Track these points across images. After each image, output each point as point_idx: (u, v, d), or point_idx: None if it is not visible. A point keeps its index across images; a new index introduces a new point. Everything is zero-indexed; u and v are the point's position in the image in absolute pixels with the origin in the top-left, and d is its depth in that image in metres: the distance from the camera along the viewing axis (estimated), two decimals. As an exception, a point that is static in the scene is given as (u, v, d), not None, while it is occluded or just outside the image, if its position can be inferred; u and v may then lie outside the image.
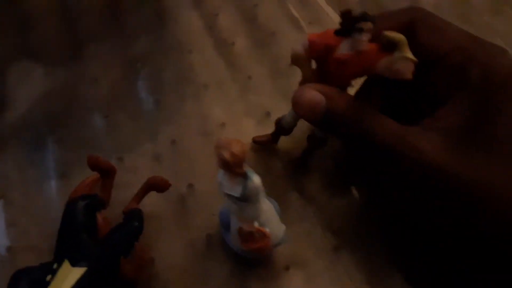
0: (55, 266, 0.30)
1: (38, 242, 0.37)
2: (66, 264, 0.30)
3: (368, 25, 0.26)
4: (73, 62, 0.48)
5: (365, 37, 0.26)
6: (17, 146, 0.42)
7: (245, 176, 0.28)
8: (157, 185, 0.36)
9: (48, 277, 0.30)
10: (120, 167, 0.39)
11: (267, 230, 0.30)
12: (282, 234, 0.33)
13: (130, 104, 0.44)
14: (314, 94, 0.30)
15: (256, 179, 0.28)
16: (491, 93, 0.25)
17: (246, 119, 0.43)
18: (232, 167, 0.27)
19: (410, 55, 0.25)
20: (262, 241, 0.30)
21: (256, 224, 0.30)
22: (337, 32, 0.28)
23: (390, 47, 0.25)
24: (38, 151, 0.42)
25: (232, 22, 0.50)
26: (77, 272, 0.30)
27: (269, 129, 0.40)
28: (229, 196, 0.29)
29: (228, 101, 0.45)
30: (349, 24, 0.26)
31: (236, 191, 0.29)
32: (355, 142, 0.29)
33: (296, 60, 0.32)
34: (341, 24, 0.27)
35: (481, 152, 0.24)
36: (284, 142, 0.41)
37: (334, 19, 0.51)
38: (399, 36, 0.25)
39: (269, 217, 0.31)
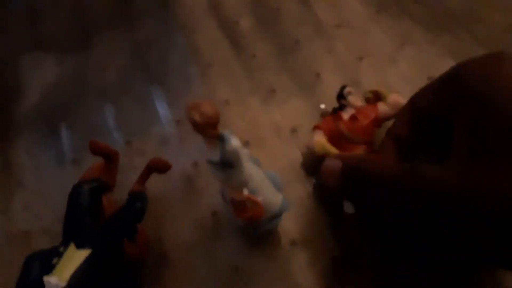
0: (61, 249, 0.31)
1: (52, 225, 0.38)
2: (71, 247, 0.31)
3: (348, 100, 0.36)
4: (83, 50, 0.49)
5: (350, 107, 0.36)
6: (30, 134, 0.43)
7: (221, 139, 0.27)
8: (158, 167, 0.36)
9: (55, 260, 0.31)
10: (129, 150, 0.40)
11: (258, 198, 0.29)
12: (279, 202, 0.31)
13: (136, 88, 0.45)
14: (332, 160, 0.29)
15: (233, 141, 0.27)
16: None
17: (251, 97, 0.43)
18: (204, 129, 0.26)
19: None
20: (254, 209, 0.29)
21: (246, 192, 0.29)
22: (334, 111, 0.37)
23: (376, 99, 0.36)
24: (50, 138, 0.43)
25: (236, 1, 0.49)
26: (82, 254, 0.31)
27: (274, 107, 0.40)
28: (212, 163, 0.28)
29: (233, 79, 0.44)
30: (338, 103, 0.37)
31: (216, 156, 0.28)
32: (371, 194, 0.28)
33: (322, 148, 0.35)
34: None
35: (490, 165, 0.22)
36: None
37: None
38: (379, 90, 0.36)
39: (260, 184, 0.30)
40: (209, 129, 0.26)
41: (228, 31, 0.48)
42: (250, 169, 0.29)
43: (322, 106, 0.41)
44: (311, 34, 0.46)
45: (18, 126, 0.44)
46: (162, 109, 0.43)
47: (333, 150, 0.34)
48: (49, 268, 0.31)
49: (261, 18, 0.48)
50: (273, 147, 0.40)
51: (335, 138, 0.35)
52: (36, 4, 0.53)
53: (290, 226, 0.35)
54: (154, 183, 0.37)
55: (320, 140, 0.35)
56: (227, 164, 0.28)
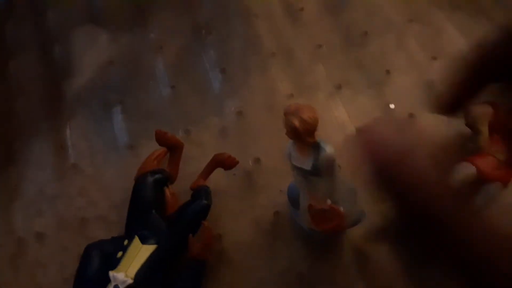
0: (125, 242, 0.31)
1: (107, 213, 0.37)
2: (136, 241, 0.30)
3: None
4: (137, 28, 0.47)
5: None
6: (84, 115, 0.42)
7: (317, 147, 0.26)
8: (224, 162, 0.34)
9: (119, 254, 0.30)
10: (187, 140, 0.38)
11: (341, 208, 0.27)
12: (358, 213, 0.30)
13: (195, 74, 0.43)
14: None
15: (330, 149, 0.25)
16: None
17: (316, 91, 0.41)
18: (302, 136, 0.25)
19: None
20: (335, 220, 0.28)
21: (328, 202, 0.27)
22: None
23: None
24: (105, 121, 0.41)
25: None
26: (147, 250, 0.30)
27: (340, 103, 0.38)
28: (299, 169, 0.27)
29: (297, 72, 0.42)
30: None
31: (307, 164, 0.26)
32: None
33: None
34: None
35: None
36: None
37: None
38: None
39: (344, 194, 0.28)
40: (306, 136, 0.24)
41: (292, 18, 0.45)
42: (338, 179, 0.27)
43: (392, 106, 0.39)
44: (381, 27, 0.44)
45: (71, 105, 0.43)
46: (222, 98, 0.41)
47: (485, 137, 0.31)
48: (114, 262, 0.30)
49: (327, 6, 0.45)
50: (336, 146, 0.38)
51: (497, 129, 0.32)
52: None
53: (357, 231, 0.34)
54: (212, 177, 0.36)
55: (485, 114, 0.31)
56: (316, 172, 0.26)
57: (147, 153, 0.38)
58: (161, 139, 0.33)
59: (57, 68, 0.45)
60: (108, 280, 0.29)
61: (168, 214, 0.32)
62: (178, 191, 0.35)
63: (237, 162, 0.34)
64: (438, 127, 0.35)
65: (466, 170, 0.30)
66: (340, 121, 0.39)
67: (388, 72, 0.41)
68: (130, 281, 0.28)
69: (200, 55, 0.44)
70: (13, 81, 0.45)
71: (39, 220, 0.37)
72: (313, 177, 0.27)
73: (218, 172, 0.36)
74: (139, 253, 0.30)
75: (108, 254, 0.31)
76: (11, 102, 0.44)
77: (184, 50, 0.44)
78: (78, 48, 0.46)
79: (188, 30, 0.45)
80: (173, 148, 0.35)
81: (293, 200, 0.32)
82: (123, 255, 0.30)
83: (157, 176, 0.33)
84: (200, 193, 0.33)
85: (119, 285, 0.28)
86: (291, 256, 0.34)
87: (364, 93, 0.40)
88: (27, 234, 0.37)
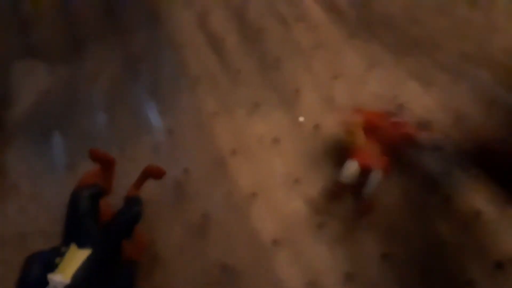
0: (63, 249, 0.34)
1: (46, 227, 0.40)
2: (73, 247, 0.34)
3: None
4: (74, 60, 0.51)
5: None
6: (23, 140, 0.45)
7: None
8: (153, 173, 0.39)
9: (58, 259, 0.33)
10: (121, 157, 0.42)
11: None
12: None
13: (129, 98, 0.47)
14: None
15: None
16: None
17: (237, 109, 0.46)
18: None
19: None
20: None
21: None
22: None
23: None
24: (44, 144, 0.45)
25: (223, 20, 0.53)
26: (83, 254, 0.33)
27: (259, 119, 0.44)
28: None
29: (220, 92, 0.48)
30: None
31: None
32: None
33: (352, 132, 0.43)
34: None
35: None
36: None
37: (320, 17, 0.54)
38: None
39: None
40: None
41: (215, 47, 0.51)
42: None
43: (301, 119, 0.45)
44: (291, 53, 0.50)
45: (10, 132, 0.45)
46: (153, 118, 0.46)
47: (360, 139, 0.40)
48: (52, 267, 0.33)
49: (245, 37, 0.52)
50: (258, 154, 0.43)
51: (369, 130, 0.40)
52: (26, 12, 0.54)
53: (269, 226, 0.39)
54: (147, 188, 0.40)
55: (356, 122, 0.40)
56: None
57: (84, 171, 0.41)
58: (94, 155, 0.37)
59: (-4, 98, 0.48)
60: (47, 283, 0.31)
61: (103, 222, 0.36)
62: (115, 202, 0.39)
63: (165, 172, 0.38)
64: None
65: (351, 166, 0.38)
66: (258, 134, 0.45)
67: (297, 90, 0.47)
68: (67, 281, 0.31)
69: (132, 81, 0.48)
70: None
71: (-20, 239, 0.39)
72: None
73: (152, 183, 0.40)
74: (76, 257, 0.33)
75: (48, 261, 0.34)
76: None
77: (118, 77, 0.48)
78: (17, 79, 0.49)
79: (122, 59, 0.50)
80: (106, 164, 0.38)
81: None
82: (61, 260, 0.33)
83: (91, 190, 0.37)
84: (132, 201, 0.37)
85: (57, 286, 0.31)
86: (217, 252, 0.38)
87: (278, 109, 0.46)
88: (-33, 253, 0.39)
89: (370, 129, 0.39)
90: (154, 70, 0.49)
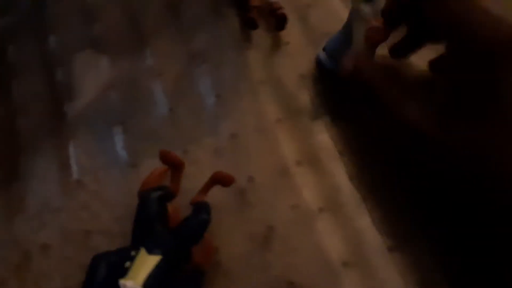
0: (133, 253, 0.33)
1: (109, 226, 0.40)
2: (142, 252, 0.33)
3: None
4: (137, 54, 0.50)
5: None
6: (87, 134, 0.45)
7: None
8: (222, 180, 0.38)
9: (127, 264, 0.32)
10: (185, 159, 0.41)
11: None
12: None
13: (191, 98, 0.46)
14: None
15: None
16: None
17: (301, 116, 0.45)
18: None
19: None
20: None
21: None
22: None
23: None
24: (106, 140, 0.44)
25: (289, 24, 0.51)
26: (153, 260, 0.33)
27: (324, 128, 0.43)
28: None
29: (284, 98, 0.46)
30: None
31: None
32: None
33: None
34: None
35: (471, 121, 0.28)
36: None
37: None
38: None
39: None
40: None
41: (279, 49, 0.50)
42: None
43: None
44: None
45: (73, 125, 0.45)
46: (217, 121, 0.45)
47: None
48: (121, 271, 0.32)
49: (311, 40, 0.50)
50: (324, 165, 0.42)
51: None
52: (90, 4, 0.54)
53: (337, 244, 0.37)
54: (209, 193, 0.39)
55: None
56: None
57: (148, 170, 0.41)
58: (165, 158, 0.37)
59: (59, 89, 0.48)
60: None
61: (171, 227, 0.35)
62: (179, 206, 0.38)
63: (234, 180, 0.37)
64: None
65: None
66: (324, 143, 0.43)
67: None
68: (139, 288, 0.31)
69: (196, 81, 0.47)
70: (15, 100, 0.48)
71: (44, 232, 0.39)
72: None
73: (214, 189, 0.39)
74: (146, 263, 0.32)
75: (115, 264, 0.33)
76: (13, 120, 0.46)
77: (182, 76, 0.48)
78: (79, 71, 0.49)
79: (185, 57, 0.49)
80: (175, 167, 0.38)
81: (334, 50, 0.43)
82: (131, 265, 0.32)
83: (160, 192, 0.36)
84: (201, 208, 0.36)
85: None
86: (282, 267, 0.37)
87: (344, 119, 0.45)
88: (31, 246, 0.39)
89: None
90: (216, 70, 0.48)
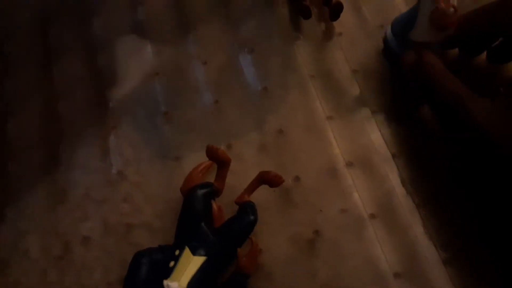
0: (177, 252, 0.32)
1: (151, 220, 0.38)
2: (187, 252, 0.32)
3: None
4: (182, 42, 0.48)
5: None
6: (130, 123, 0.43)
7: None
8: (270, 180, 0.36)
9: (171, 263, 0.31)
10: (228, 154, 0.39)
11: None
12: None
13: (237, 89, 0.44)
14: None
15: None
16: None
17: (353, 115, 0.42)
18: None
19: None
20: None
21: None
22: None
23: None
24: (149, 131, 0.43)
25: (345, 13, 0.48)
26: (198, 261, 0.31)
27: (376, 127, 0.40)
28: None
29: (334, 95, 0.44)
30: None
31: None
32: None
33: None
34: None
35: None
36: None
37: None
38: None
39: None
40: None
41: (332, 41, 0.47)
42: None
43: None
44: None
45: (115, 113, 0.44)
46: (263, 115, 0.43)
47: None
48: (166, 271, 0.31)
49: (368, 33, 0.47)
50: (377, 167, 0.39)
51: None
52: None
53: (390, 254, 0.35)
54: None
55: None
56: None
57: (190, 164, 0.39)
58: (212, 154, 0.35)
59: (101, 75, 0.47)
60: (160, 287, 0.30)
61: (215, 227, 0.34)
62: (222, 204, 0.37)
63: (283, 181, 0.35)
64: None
65: None
66: (377, 144, 0.41)
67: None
68: (183, 289, 0.30)
69: (242, 71, 0.45)
70: (56, 85, 0.47)
71: (85, 224, 0.39)
72: None
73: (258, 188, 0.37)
74: (190, 264, 0.31)
75: (158, 262, 0.32)
76: (54, 104, 0.45)
77: (227, 66, 0.46)
78: (122, 57, 0.48)
79: (231, 46, 0.47)
80: (221, 164, 0.36)
81: (400, 29, 0.40)
82: (175, 265, 0.31)
83: (206, 189, 0.35)
84: (247, 209, 0.34)
85: None
86: (329, 275, 0.35)
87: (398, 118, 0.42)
88: (73, 237, 0.38)
89: None
90: (264, 61, 0.46)
